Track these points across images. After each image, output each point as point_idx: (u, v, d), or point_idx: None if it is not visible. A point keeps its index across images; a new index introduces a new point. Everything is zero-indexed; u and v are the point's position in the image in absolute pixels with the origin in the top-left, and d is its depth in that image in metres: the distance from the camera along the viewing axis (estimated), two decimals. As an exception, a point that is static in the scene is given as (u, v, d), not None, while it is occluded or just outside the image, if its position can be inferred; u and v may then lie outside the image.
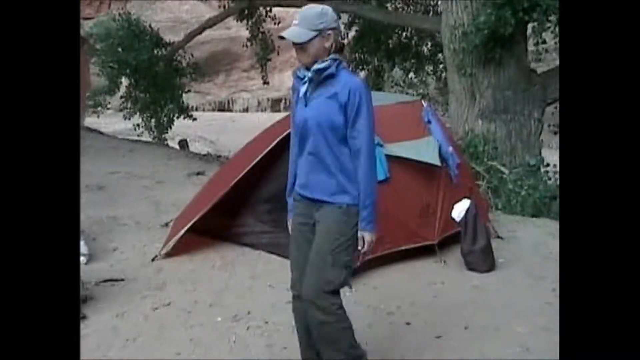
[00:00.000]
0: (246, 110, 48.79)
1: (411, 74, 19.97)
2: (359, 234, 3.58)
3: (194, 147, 23.98)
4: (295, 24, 3.52)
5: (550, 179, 10.39)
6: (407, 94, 18.77)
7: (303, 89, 3.62)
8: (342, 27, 15.23)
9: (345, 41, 17.93)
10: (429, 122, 6.87)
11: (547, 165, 10.77)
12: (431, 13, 17.37)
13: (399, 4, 17.82)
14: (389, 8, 17.25)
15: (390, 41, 18.10)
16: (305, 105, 3.63)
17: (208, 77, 51.78)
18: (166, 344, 4.65)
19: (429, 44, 18.29)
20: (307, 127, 3.62)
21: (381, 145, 6.18)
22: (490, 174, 10.37)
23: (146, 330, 4.87)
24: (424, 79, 20.38)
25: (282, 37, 3.59)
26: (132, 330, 4.86)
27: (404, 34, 17.89)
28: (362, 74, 18.64)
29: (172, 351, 4.52)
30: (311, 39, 3.48)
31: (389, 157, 6.24)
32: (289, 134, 6.43)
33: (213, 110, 50.95)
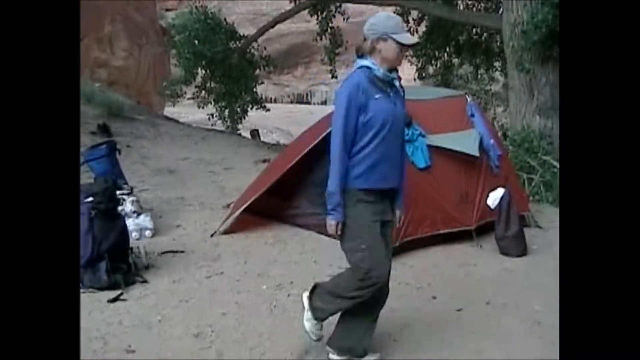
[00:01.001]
0: (324, 103, 49.10)
1: (481, 70, 20.14)
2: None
3: (270, 137, 24.63)
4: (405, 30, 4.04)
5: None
6: (469, 89, 19.02)
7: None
8: (411, 22, 15.59)
9: (416, 36, 18.34)
10: (472, 115, 7.29)
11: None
12: (495, 11, 17.50)
13: (468, 0, 17.97)
14: (459, 5, 17.49)
15: (460, 37, 18.33)
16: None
17: (287, 69, 52.50)
18: (214, 305, 5.23)
19: (498, 41, 18.43)
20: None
21: (424, 136, 6.66)
22: (544, 168, 10.64)
23: (198, 294, 5.47)
24: (492, 75, 20.51)
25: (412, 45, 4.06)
26: (185, 294, 5.47)
27: (474, 30, 18.05)
28: (431, 69, 19.01)
29: (218, 312, 5.10)
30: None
31: (431, 147, 6.70)
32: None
33: (291, 102, 51.52)
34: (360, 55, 4.01)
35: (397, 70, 4.01)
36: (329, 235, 6.82)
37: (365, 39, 3.97)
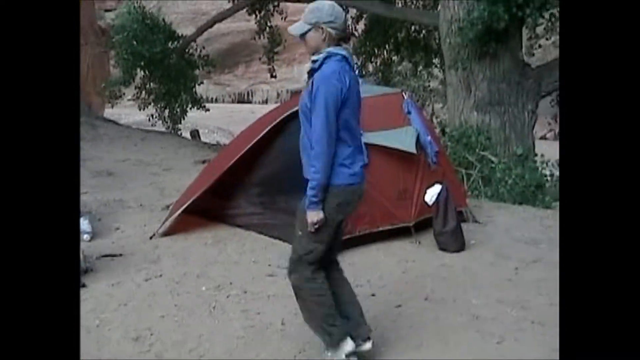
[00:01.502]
0: (266, 102, 49.08)
1: (420, 67, 20.35)
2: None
3: (211, 137, 24.51)
4: (300, 19, 4.00)
5: (537, 168, 10.83)
6: (408, 86, 19.22)
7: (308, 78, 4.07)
8: (349, 20, 15.64)
9: (356, 34, 18.43)
10: (409, 112, 7.35)
11: (536, 155, 11.20)
12: (433, 8, 17.70)
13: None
14: (398, 2, 17.65)
15: (399, 35, 18.50)
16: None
17: (228, 68, 52.25)
18: (153, 308, 5.19)
19: (437, 38, 18.64)
20: (298, 113, 4.08)
21: (361, 134, 6.67)
22: (482, 163, 10.82)
23: (137, 297, 5.42)
24: (431, 71, 20.75)
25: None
26: (124, 297, 5.41)
27: (412, 27, 18.23)
28: (371, 66, 19.14)
29: (157, 314, 5.06)
30: (306, 32, 3.95)
31: (368, 145, 6.72)
32: (279, 122, 6.99)
33: (233, 101, 51.32)
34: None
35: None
36: (270, 235, 6.91)
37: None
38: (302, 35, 3.97)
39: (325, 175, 3.88)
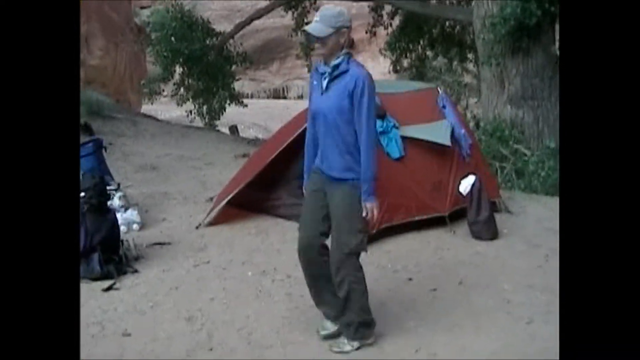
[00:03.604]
0: (300, 97, 49.00)
1: (455, 62, 20.49)
2: (362, 204, 4.28)
3: (247, 133, 24.78)
4: (316, 21, 4.21)
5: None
6: (442, 81, 19.37)
7: (325, 82, 4.30)
8: (384, 16, 15.90)
9: (389, 30, 18.62)
10: (444, 107, 7.64)
11: (569, 147, 11.35)
12: (467, 4, 17.77)
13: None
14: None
15: (433, 30, 18.64)
16: (322, 95, 4.34)
17: (263, 64, 52.46)
18: (203, 292, 5.56)
19: (471, 33, 18.73)
20: (323, 114, 4.33)
21: (397, 127, 6.99)
22: (515, 156, 11.01)
23: (187, 282, 5.80)
24: (466, 66, 20.86)
25: (305, 32, 4.34)
26: (174, 282, 5.79)
27: (447, 23, 18.34)
28: (405, 62, 19.30)
29: (207, 297, 5.43)
30: (329, 35, 4.16)
31: (405, 138, 7.03)
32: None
33: (268, 97, 51.47)
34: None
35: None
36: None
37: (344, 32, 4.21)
38: (323, 38, 4.18)
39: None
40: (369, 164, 4.22)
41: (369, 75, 4.24)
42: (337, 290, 4.43)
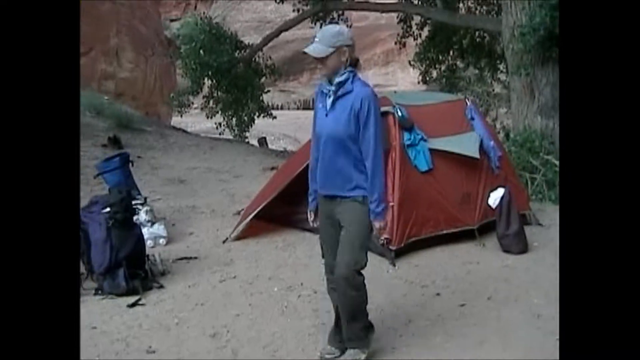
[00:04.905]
0: (330, 108, 49.18)
1: (485, 72, 20.35)
2: (372, 223, 4.26)
3: (277, 144, 24.87)
4: (316, 41, 4.16)
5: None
6: (472, 91, 19.23)
7: (329, 101, 4.23)
8: (413, 27, 15.84)
9: (419, 40, 18.57)
10: (472, 118, 7.56)
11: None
12: (497, 14, 17.66)
13: (470, 3, 18.16)
14: (461, 8, 17.71)
15: (463, 41, 18.56)
16: (326, 115, 4.26)
17: (292, 75, 52.73)
18: (228, 307, 5.51)
19: (501, 43, 18.59)
20: (330, 133, 4.24)
21: (425, 140, 6.92)
22: (546, 167, 10.87)
23: (212, 297, 5.75)
24: (497, 76, 20.72)
25: (304, 53, 4.25)
26: (200, 297, 5.75)
27: (476, 33, 18.25)
28: (434, 72, 19.23)
29: (232, 313, 5.38)
30: (329, 55, 4.13)
31: (433, 151, 6.96)
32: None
33: (298, 108, 51.66)
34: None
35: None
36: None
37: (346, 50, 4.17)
38: (323, 58, 4.14)
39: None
40: (376, 184, 4.20)
41: (374, 94, 4.22)
42: (344, 308, 4.40)
